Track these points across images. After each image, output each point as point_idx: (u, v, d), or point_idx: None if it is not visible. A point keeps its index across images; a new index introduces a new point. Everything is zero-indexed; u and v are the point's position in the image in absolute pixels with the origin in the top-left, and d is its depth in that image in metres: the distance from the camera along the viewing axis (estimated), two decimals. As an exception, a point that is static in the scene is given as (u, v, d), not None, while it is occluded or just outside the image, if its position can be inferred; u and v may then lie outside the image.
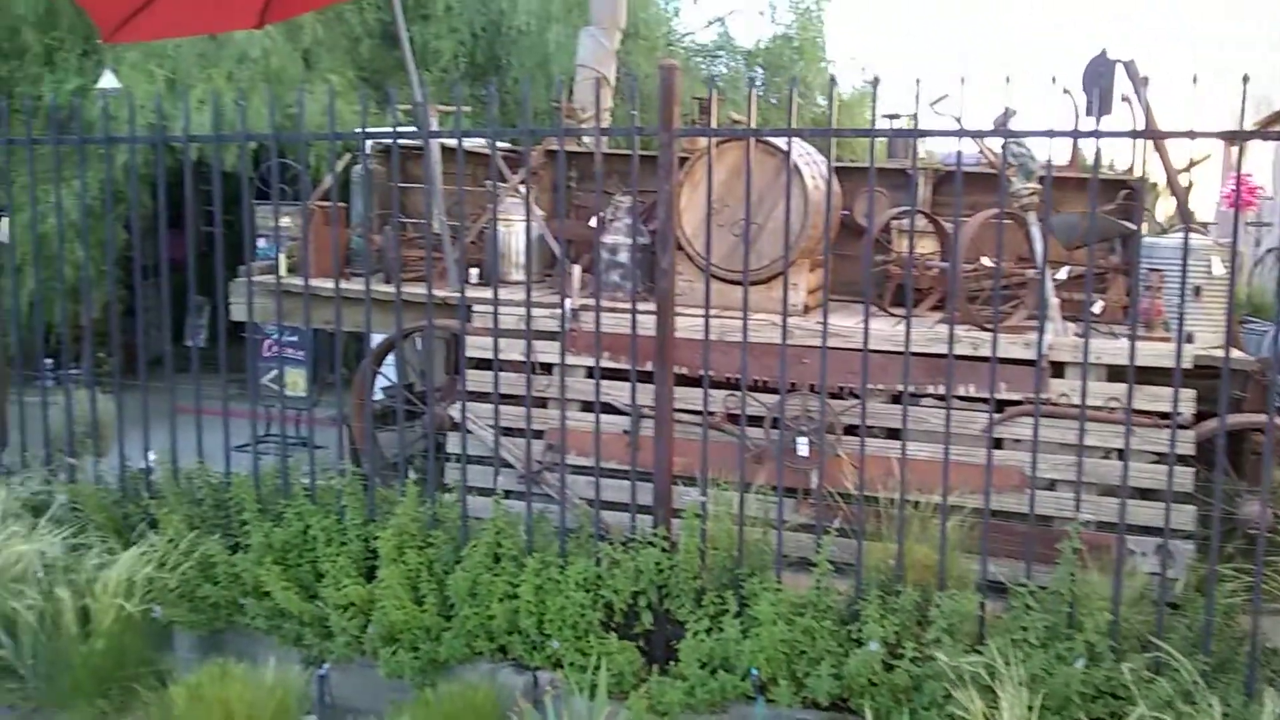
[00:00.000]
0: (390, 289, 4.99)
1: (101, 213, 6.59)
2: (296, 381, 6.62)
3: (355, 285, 5.42)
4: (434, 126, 5.43)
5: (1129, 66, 5.08)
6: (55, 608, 3.96)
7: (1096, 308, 5.02)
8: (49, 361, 5.34)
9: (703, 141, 5.24)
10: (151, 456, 4.75)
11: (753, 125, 3.94)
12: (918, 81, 3.48)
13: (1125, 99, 5.01)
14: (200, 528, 4.39)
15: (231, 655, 3.87)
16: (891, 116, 5.73)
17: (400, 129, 4.42)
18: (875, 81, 3.62)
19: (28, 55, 8.88)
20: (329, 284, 5.05)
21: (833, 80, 3.69)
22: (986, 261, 5.22)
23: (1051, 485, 4.36)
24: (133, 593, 4.01)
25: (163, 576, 4.11)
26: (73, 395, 4.95)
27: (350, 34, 9.73)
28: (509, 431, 4.73)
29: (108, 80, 7.26)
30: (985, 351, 4.38)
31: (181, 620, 4.17)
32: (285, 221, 5.86)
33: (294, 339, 6.62)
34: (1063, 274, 5.30)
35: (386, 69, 9.82)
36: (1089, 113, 4.97)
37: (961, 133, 3.73)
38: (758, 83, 13.34)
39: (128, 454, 4.75)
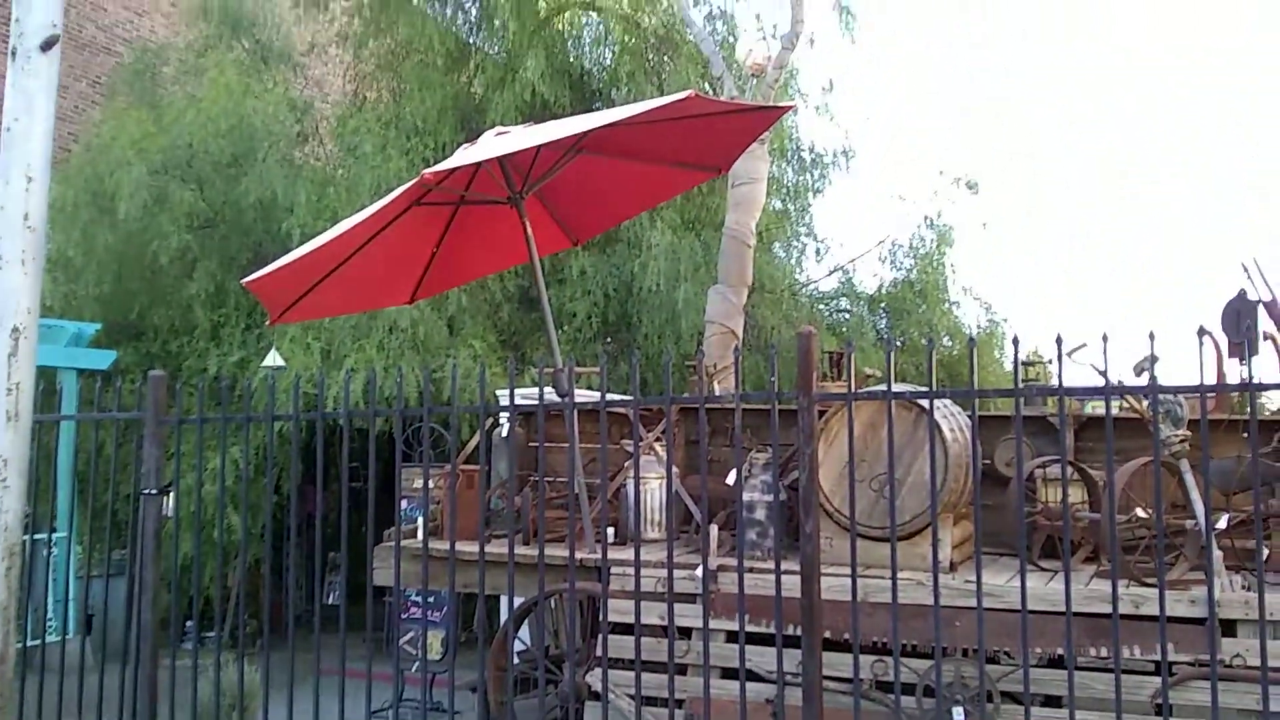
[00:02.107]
0: (532, 551, 5.11)
1: (256, 477, 7.05)
2: (434, 644, 6.68)
3: (497, 548, 5.56)
4: (573, 384, 5.72)
5: (1270, 306, 5.04)
6: None
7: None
8: (194, 625, 5.53)
9: (835, 388, 5.35)
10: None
11: (891, 382, 4.04)
12: (1059, 340, 3.55)
13: (1269, 337, 4.94)
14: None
15: None
16: (1028, 364, 5.76)
17: (542, 394, 4.67)
18: (1016, 342, 3.70)
19: (197, 330, 9.88)
20: (472, 546, 5.21)
21: (971, 342, 3.79)
22: (1140, 512, 5.04)
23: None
24: None
25: None
26: (220, 663, 5.11)
27: (491, 300, 10.49)
28: (650, 701, 4.64)
29: (272, 358, 7.95)
30: (1148, 610, 4.16)
31: None
32: (430, 484, 6.14)
33: (432, 600, 6.74)
34: (1222, 522, 5.06)
35: (525, 330, 10.49)
36: (1231, 354, 4.91)
37: (1109, 390, 3.74)
38: (881, 325, 13.63)
39: (273, 722, 4.82)
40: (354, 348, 8.94)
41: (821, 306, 13.52)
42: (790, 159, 13.30)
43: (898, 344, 13.20)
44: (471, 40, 12.92)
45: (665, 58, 12.81)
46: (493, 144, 4.81)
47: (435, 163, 10.41)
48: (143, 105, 11.28)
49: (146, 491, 4.84)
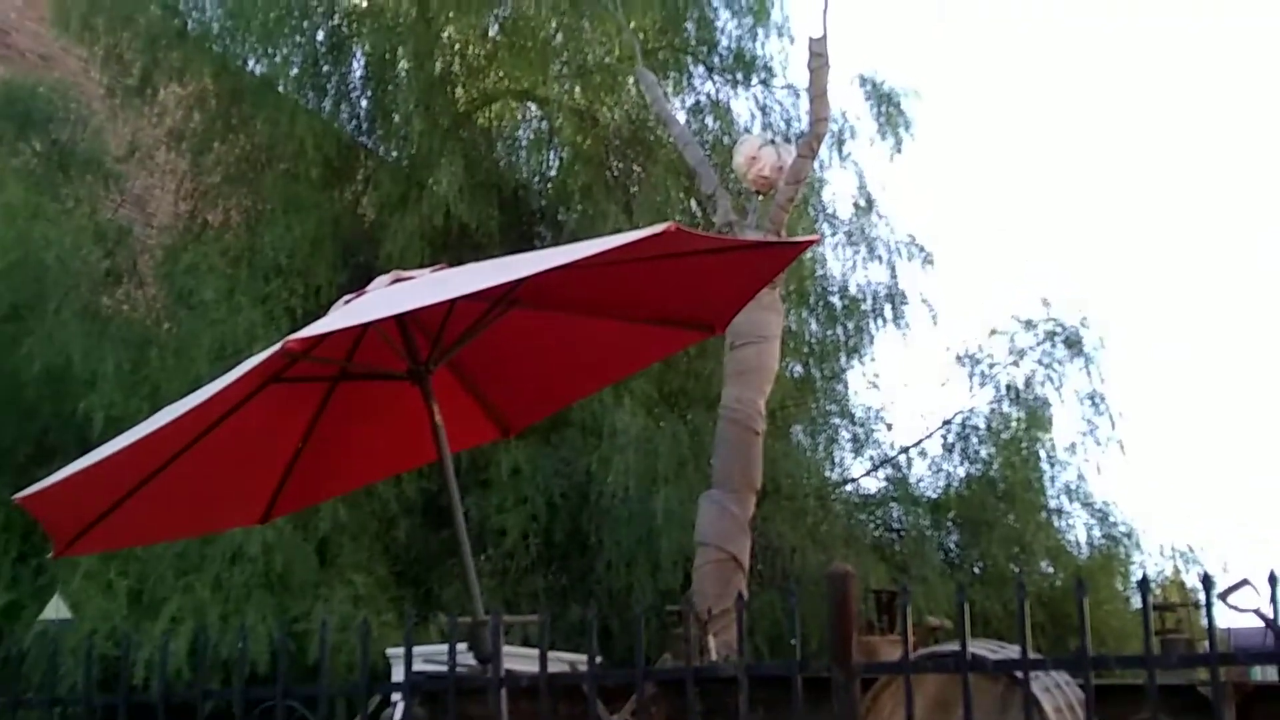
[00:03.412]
0: None
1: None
2: None
3: None
4: (501, 643, 5.59)
5: None
6: None
7: None
8: None
9: (886, 646, 5.29)
10: None
11: (966, 639, 3.98)
12: (1207, 580, 3.55)
13: None
14: None
15: None
16: (1165, 608, 5.76)
17: (454, 659, 4.56)
18: (1145, 586, 3.69)
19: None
20: None
21: (1080, 589, 3.74)
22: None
23: None
24: None
25: None
26: None
27: (382, 514, 10.43)
28: None
29: (55, 607, 7.77)
30: None
31: None
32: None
33: None
34: None
35: (430, 558, 10.40)
36: None
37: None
38: (950, 543, 13.63)
39: None
40: (178, 587, 8.79)
41: (864, 517, 13.55)
42: (814, 307, 13.60)
43: (976, 570, 13.17)
44: (361, 142, 13.34)
45: (635, 166, 13.27)
46: (388, 294, 4.86)
47: (303, 315, 10.56)
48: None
49: None
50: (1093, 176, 30.55)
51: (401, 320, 5.21)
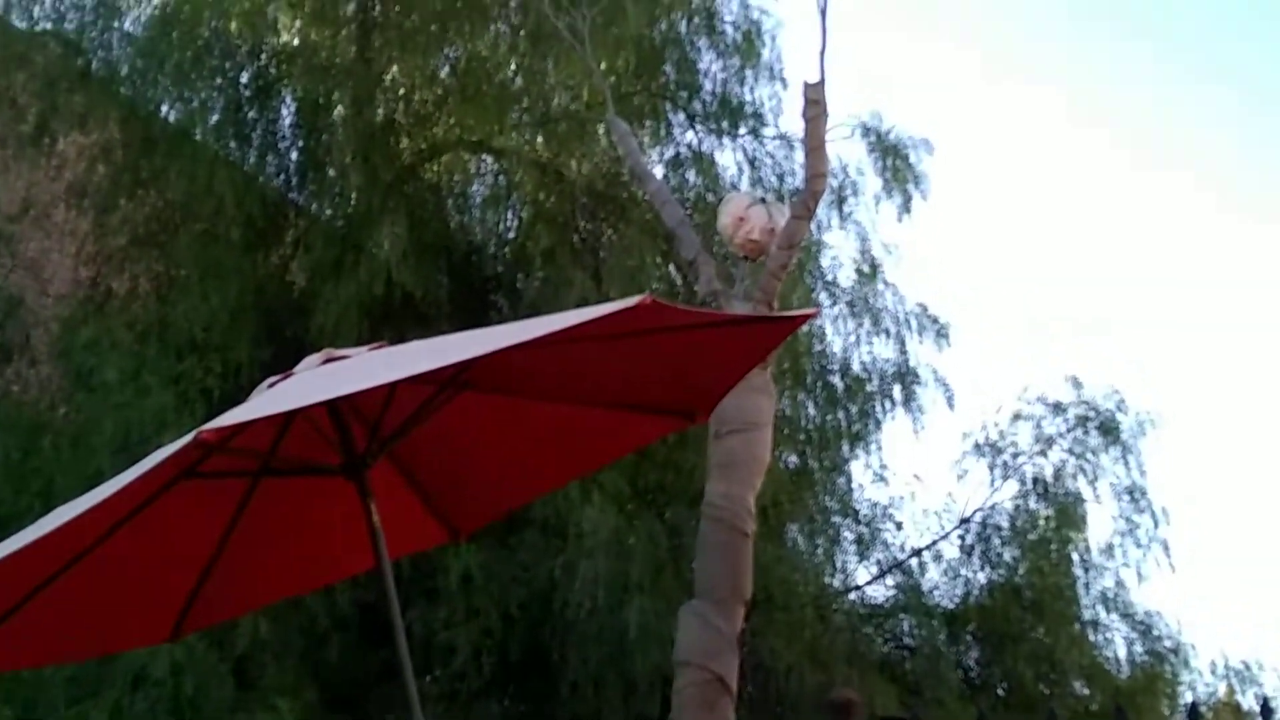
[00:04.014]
0: None
1: None
2: None
3: None
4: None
5: None
6: None
7: None
8: None
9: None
10: None
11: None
12: (1266, 704, 3.53)
13: None
14: None
15: None
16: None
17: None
18: (1194, 711, 3.68)
19: None
20: None
21: (1119, 712, 3.72)
22: None
23: None
24: None
25: None
26: None
27: (311, 628, 10.33)
28: None
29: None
30: None
31: None
32: None
33: None
34: None
35: (367, 680, 10.28)
36: None
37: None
38: (970, 660, 13.57)
39: None
40: (70, 716, 8.67)
41: (870, 630, 13.50)
42: (812, 389, 13.63)
43: (1000, 692, 13.10)
44: (290, 199, 13.38)
45: (605, 226, 13.35)
46: (319, 376, 4.85)
47: (221, 398, 10.51)
48: None
49: None
50: (1137, 239, 30.82)
51: (335, 406, 5.19)
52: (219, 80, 12.97)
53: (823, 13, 9.49)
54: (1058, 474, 14.04)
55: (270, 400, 4.81)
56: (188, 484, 5.37)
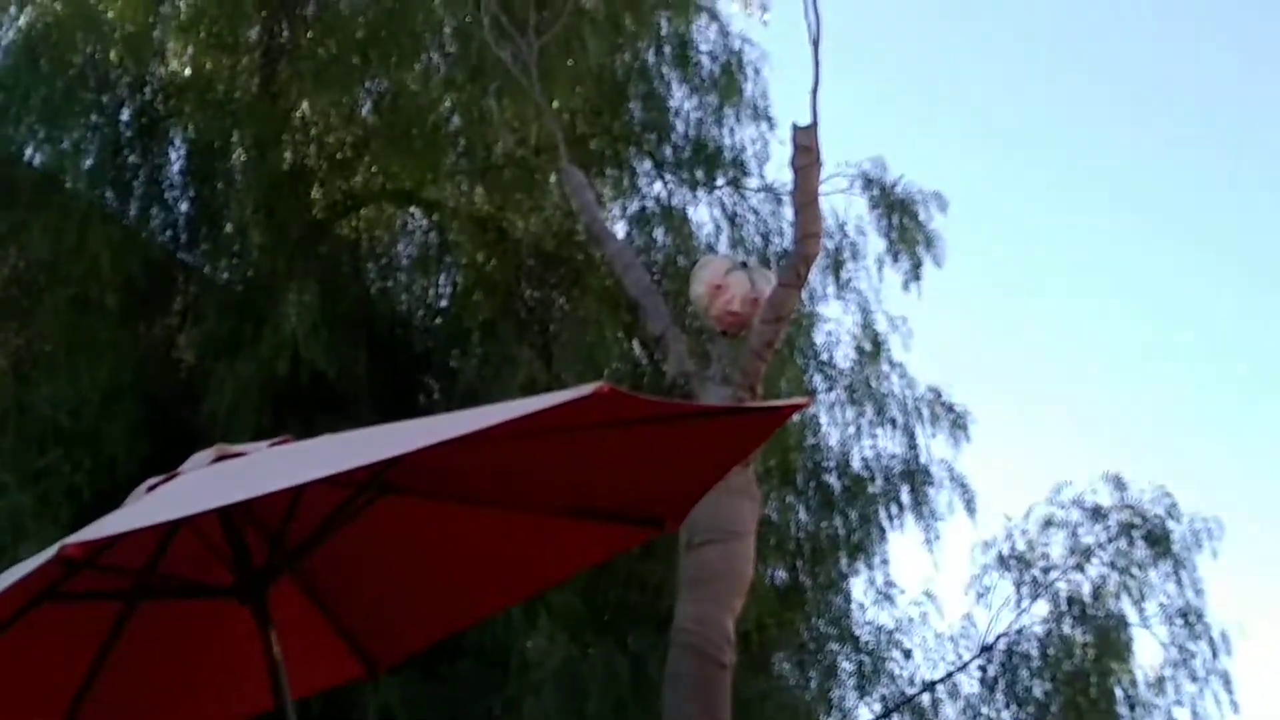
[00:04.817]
0: None
1: None
2: None
3: None
4: None
5: None
6: None
7: None
8: None
9: None
10: None
11: None
12: None
13: None
14: None
15: None
16: None
17: None
18: None
19: None
20: None
21: None
22: None
23: None
24: None
25: None
26: None
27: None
28: None
29: None
30: None
31: None
32: None
33: None
34: None
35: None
36: None
37: None
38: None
39: None
40: None
41: None
42: (804, 490, 13.63)
43: None
44: (179, 259, 13.36)
45: (556, 295, 13.38)
46: (209, 478, 4.84)
47: (92, 499, 10.41)
48: None
49: None
50: (1189, 310, 31.05)
51: (229, 515, 5.17)
52: (95, 117, 12.98)
53: (815, 43, 9.42)
54: (1097, 593, 14.06)
55: (151, 507, 4.79)
56: (51, 608, 5.33)
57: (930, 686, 13.80)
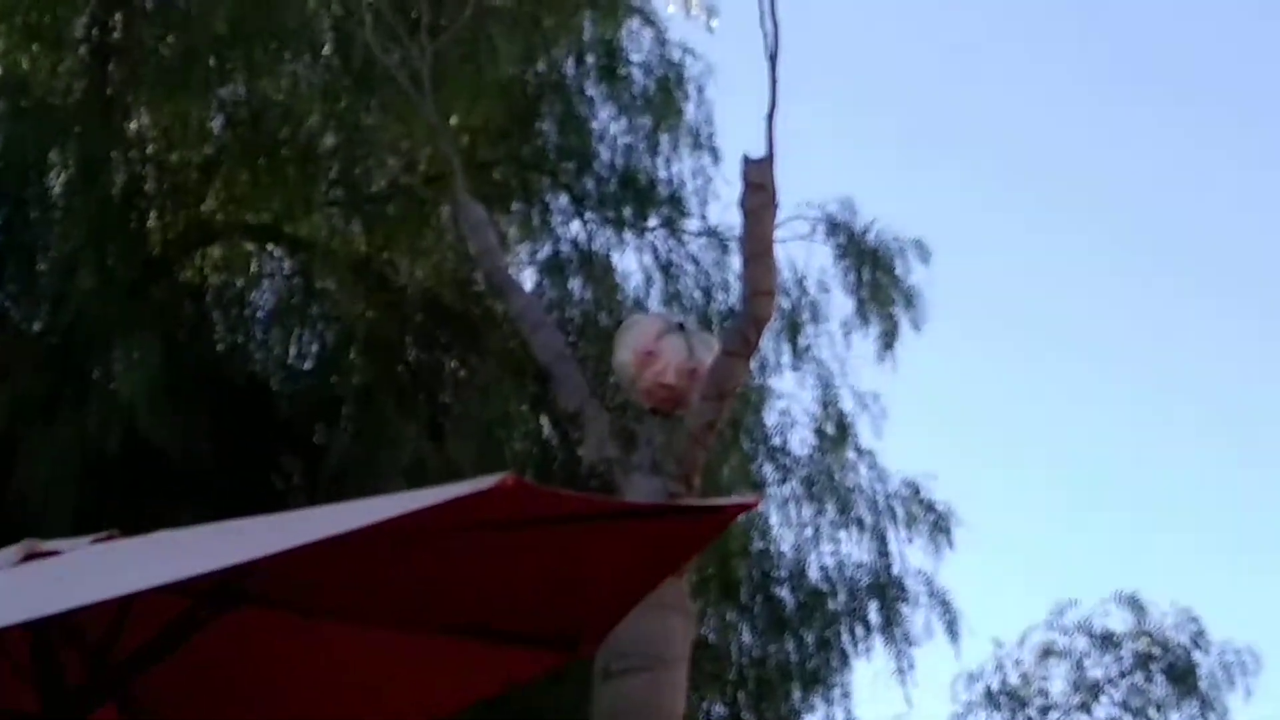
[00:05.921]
0: None
1: None
2: None
3: None
4: None
5: None
6: None
7: None
8: None
9: None
10: None
11: None
12: None
13: None
14: None
15: None
16: None
17: None
18: None
19: None
20: None
21: None
22: None
23: None
24: None
25: None
26: None
27: None
28: None
29: None
30: None
31: None
32: None
33: None
34: None
35: None
36: None
37: None
38: None
39: None
40: None
41: None
42: (749, 606, 13.65)
43: None
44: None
45: (450, 357, 13.39)
46: (16, 581, 4.83)
47: None
48: None
49: None
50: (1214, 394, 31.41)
51: (39, 629, 5.16)
52: None
53: (772, 58, 9.40)
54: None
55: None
56: None
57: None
